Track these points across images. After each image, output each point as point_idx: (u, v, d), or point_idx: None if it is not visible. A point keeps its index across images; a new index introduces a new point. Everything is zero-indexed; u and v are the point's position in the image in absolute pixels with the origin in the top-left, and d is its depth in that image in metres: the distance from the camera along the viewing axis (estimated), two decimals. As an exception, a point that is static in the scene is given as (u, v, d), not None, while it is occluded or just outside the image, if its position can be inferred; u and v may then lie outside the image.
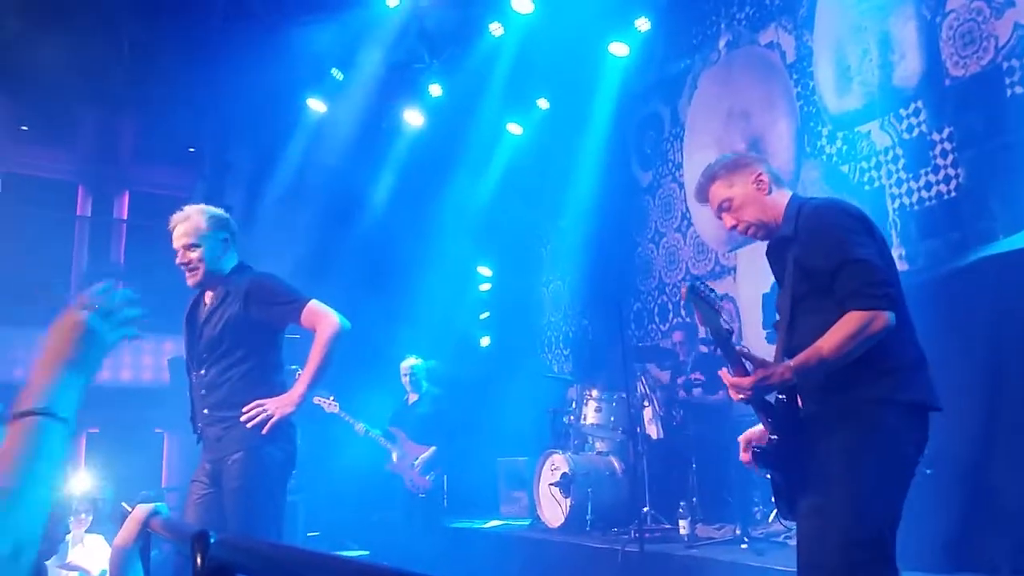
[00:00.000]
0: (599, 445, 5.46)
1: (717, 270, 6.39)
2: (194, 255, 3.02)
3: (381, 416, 6.03)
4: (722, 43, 6.57)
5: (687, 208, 6.83)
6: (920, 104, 5.04)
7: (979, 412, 3.17)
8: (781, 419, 2.23)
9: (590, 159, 7.18)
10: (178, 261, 3.06)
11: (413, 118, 7.81)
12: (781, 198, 2.39)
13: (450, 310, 8.01)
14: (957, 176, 4.83)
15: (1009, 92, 4.49)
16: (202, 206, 3.16)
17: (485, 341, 8.42)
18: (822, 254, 2.17)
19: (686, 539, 4.42)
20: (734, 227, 2.43)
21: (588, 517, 5.05)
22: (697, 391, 5.18)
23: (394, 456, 5.74)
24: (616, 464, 5.26)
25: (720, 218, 2.45)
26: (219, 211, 3.18)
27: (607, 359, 6.09)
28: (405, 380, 5.94)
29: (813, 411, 2.21)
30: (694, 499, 4.80)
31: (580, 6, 6.31)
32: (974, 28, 4.70)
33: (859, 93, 5.48)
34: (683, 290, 2.16)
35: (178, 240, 3.04)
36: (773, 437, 2.24)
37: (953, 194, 4.86)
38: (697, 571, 4.10)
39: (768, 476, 2.28)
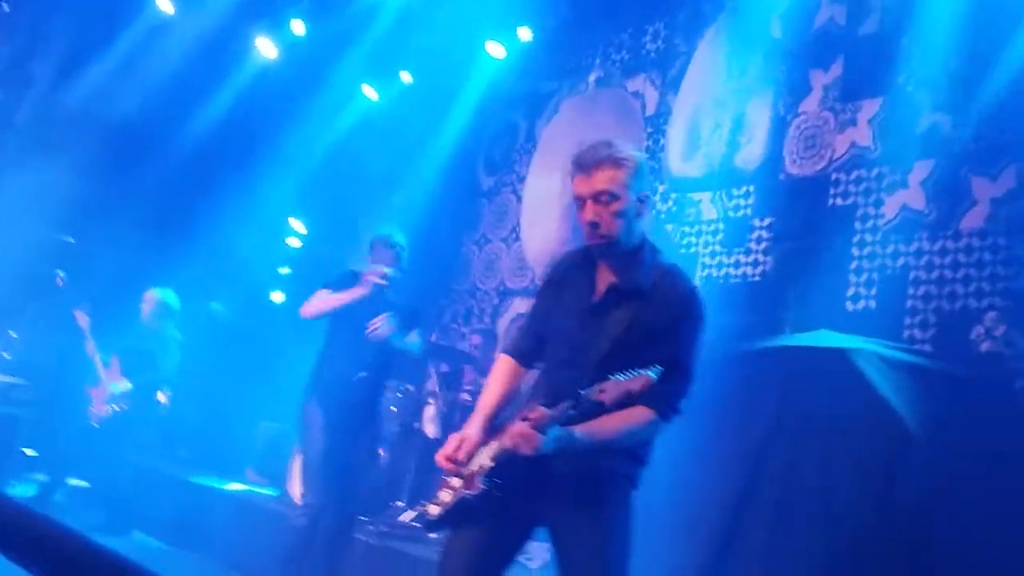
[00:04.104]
0: (370, 431, 5.27)
1: (532, 288, 6.46)
2: None
3: None
4: (592, 77, 6.69)
5: (519, 222, 6.86)
6: (752, 189, 5.36)
7: (739, 487, 3.37)
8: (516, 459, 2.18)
9: (439, 147, 7.04)
10: None
11: (266, 48, 7.29)
12: (640, 231, 2.28)
13: (249, 258, 7.53)
14: (765, 263, 5.17)
15: (831, 202, 4.88)
16: None
17: (278, 297, 7.96)
18: (672, 341, 2.12)
19: (433, 541, 4.35)
20: (594, 224, 2.18)
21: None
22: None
23: (101, 379, 5.57)
24: (382, 453, 5.10)
25: (583, 204, 2.22)
26: None
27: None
28: (144, 309, 5.83)
29: (566, 468, 2.20)
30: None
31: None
32: (817, 135, 5.07)
33: (701, 163, 5.75)
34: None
35: None
36: (491, 464, 2.21)
37: (757, 279, 5.20)
38: (418, 571, 4.06)
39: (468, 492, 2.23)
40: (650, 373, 1.96)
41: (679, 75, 6.06)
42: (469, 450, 2.29)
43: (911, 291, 4.36)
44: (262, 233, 7.64)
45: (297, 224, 8.02)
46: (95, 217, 7.05)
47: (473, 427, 2.33)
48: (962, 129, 4.35)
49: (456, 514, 2.28)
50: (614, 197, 2.18)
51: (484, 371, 5.59)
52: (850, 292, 4.62)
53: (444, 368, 5.47)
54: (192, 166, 7.32)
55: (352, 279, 4.08)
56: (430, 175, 7.12)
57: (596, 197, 2.18)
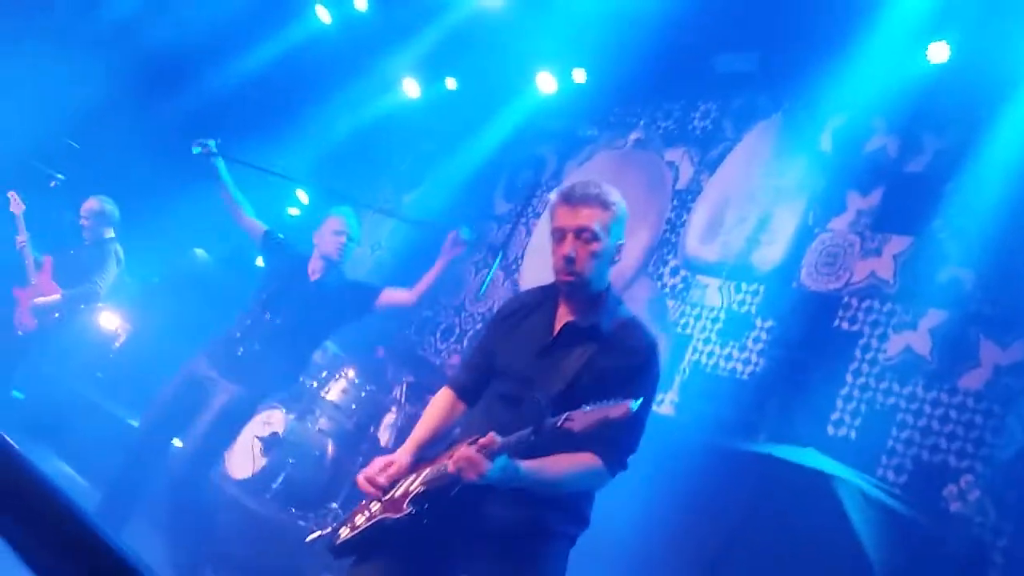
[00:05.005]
0: (323, 422, 5.09)
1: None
2: None
3: None
4: (632, 136, 6.67)
5: (524, 254, 6.77)
6: (762, 288, 5.34)
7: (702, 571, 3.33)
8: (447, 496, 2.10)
9: (464, 159, 6.97)
10: None
11: (323, 15, 7.21)
12: (608, 279, 2.27)
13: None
14: (756, 364, 5.13)
15: (836, 323, 4.86)
16: None
17: (259, 262, 7.78)
18: (626, 389, 1.97)
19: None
20: (568, 259, 2.13)
21: (275, 486, 4.68)
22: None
23: (31, 281, 5.17)
24: (330, 449, 4.94)
25: (562, 238, 2.17)
26: None
27: (376, 348, 5.81)
28: (84, 223, 5.42)
29: (503, 514, 2.11)
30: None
31: (545, 19, 6.13)
32: (839, 255, 5.07)
33: (718, 250, 5.73)
34: None
35: None
36: (422, 488, 2.11)
37: (745, 377, 5.15)
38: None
39: (398, 515, 2.10)
40: (630, 403, 1.85)
41: (718, 159, 6.07)
42: (394, 474, 2.20)
43: (894, 432, 4.33)
44: (267, 193, 7.49)
45: (302, 195, 7.88)
46: (107, 132, 6.88)
47: (402, 454, 2.26)
48: (983, 291, 4.36)
49: (369, 540, 2.14)
50: (595, 237, 2.14)
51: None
52: (834, 416, 4.58)
53: (411, 379, 5.33)
54: (218, 109, 7.19)
55: (278, 247, 4.25)
56: (448, 184, 7.04)
57: (578, 232, 2.14)
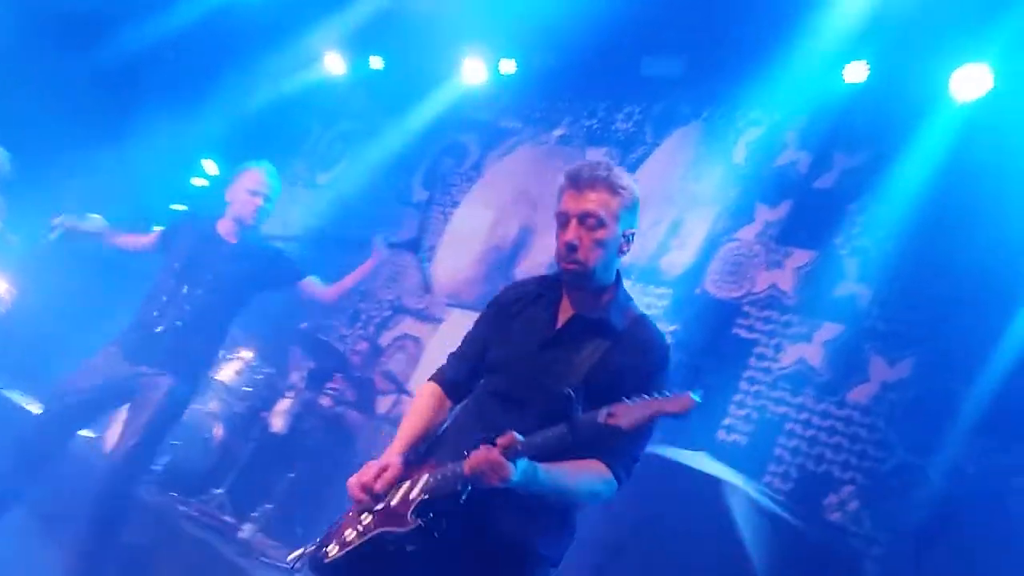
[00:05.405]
0: (212, 404, 4.89)
1: (426, 312, 6.30)
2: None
3: None
4: (557, 133, 6.63)
5: (438, 244, 6.64)
6: (669, 292, 5.39)
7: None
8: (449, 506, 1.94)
9: (383, 143, 6.82)
10: None
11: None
12: (616, 269, 2.14)
13: (148, 182, 6.99)
14: (658, 368, 5.17)
15: (735, 331, 4.94)
16: None
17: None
18: (645, 389, 1.82)
19: (240, 544, 4.05)
20: (570, 246, 2.00)
21: (156, 468, 4.48)
22: (343, 408, 4.94)
23: None
24: (217, 432, 4.75)
25: (565, 223, 2.05)
26: None
27: (278, 331, 5.64)
28: None
29: (500, 533, 1.99)
30: (270, 507, 4.42)
31: (477, 6, 6.02)
32: (743, 263, 5.15)
33: (631, 252, 5.73)
34: None
35: None
36: (424, 496, 1.98)
37: (645, 380, 5.18)
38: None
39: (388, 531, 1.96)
40: (691, 394, 1.72)
41: (638, 162, 6.08)
42: (390, 480, 2.01)
43: (782, 441, 4.43)
44: (171, 162, 7.18)
45: (210, 165, 7.57)
46: (9, 83, 6.48)
47: (394, 456, 2.05)
48: (878, 308, 4.49)
49: (366, 558, 1.96)
50: (601, 223, 2.02)
51: (356, 382, 5.34)
52: (726, 422, 4.66)
53: (311, 364, 5.18)
54: (127, 68, 6.85)
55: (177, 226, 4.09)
56: (365, 166, 6.88)
57: (582, 218, 2.02)
